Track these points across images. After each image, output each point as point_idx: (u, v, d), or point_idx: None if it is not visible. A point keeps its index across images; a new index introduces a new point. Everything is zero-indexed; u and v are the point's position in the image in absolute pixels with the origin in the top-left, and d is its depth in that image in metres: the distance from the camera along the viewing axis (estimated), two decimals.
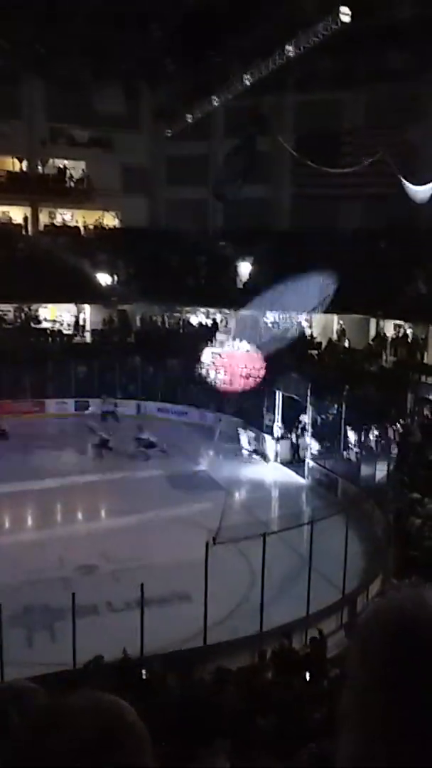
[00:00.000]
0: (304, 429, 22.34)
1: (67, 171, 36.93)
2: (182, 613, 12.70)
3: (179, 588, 13.49)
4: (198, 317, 34.72)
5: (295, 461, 22.41)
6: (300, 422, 22.73)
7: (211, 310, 34.00)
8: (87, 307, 34.42)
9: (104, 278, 32.56)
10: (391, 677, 0.88)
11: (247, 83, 26.69)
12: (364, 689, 0.90)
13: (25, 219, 36.43)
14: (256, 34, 26.32)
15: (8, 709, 1.32)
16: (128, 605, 12.67)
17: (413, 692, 0.86)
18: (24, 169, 36.22)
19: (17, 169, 36.25)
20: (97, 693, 0.98)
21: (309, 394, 21.51)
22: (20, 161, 36.16)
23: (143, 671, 10.04)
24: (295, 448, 22.74)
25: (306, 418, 22.00)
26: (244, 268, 31.95)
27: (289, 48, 24.15)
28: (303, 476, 21.47)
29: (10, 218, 36.48)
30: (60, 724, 0.93)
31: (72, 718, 0.94)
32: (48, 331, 33.26)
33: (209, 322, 33.79)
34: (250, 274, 31.72)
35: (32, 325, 33.37)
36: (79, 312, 34.55)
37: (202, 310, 34.34)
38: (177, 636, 11.91)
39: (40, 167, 36.36)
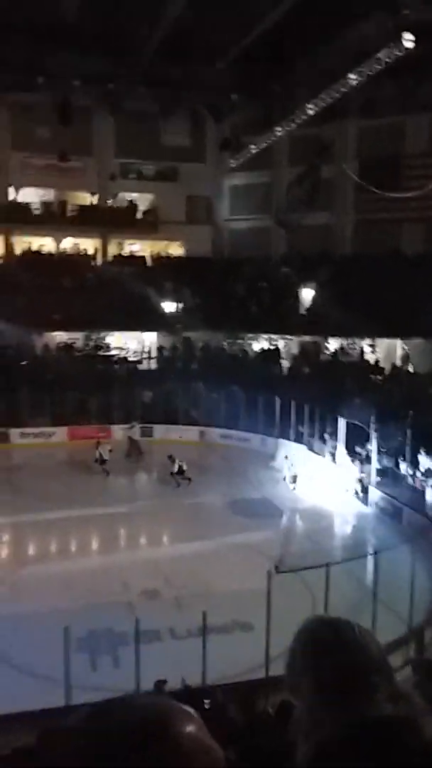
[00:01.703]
0: (368, 456, 21.98)
1: (135, 203, 38.08)
2: (244, 643, 12.63)
3: (241, 617, 13.44)
4: (260, 344, 34.87)
5: (359, 489, 22.04)
6: (364, 449, 22.39)
7: (274, 337, 34.09)
8: (152, 335, 35.15)
9: (169, 306, 33.22)
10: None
11: (311, 112, 26.99)
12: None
13: (95, 250, 37.70)
14: (320, 63, 26.70)
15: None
16: (190, 632, 12.70)
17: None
18: (95, 202, 37.59)
19: (88, 203, 37.66)
20: (165, 697, 1.04)
21: (373, 420, 21.21)
22: (92, 195, 37.57)
23: (205, 701, 10.02)
24: (360, 476, 22.37)
25: (370, 445, 21.65)
26: (307, 294, 31.97)
27: (352, 76, 24.35)
28: (366, 504, 21.08)
29: (80, 250, 37.83)
30: (124, 713, 0.97)
31: (137, 711, 0.97)
32: (114, 358, 34.09)
33: (271, 347, 33.89)
34: (312, 300, 31.72)
35: (99, 352, 34.30)
36: (144, 339, 35.31)
37: (265, 336, 34.47)
38: (238, 666, 11.84)
39: (110, 201, 37.65)
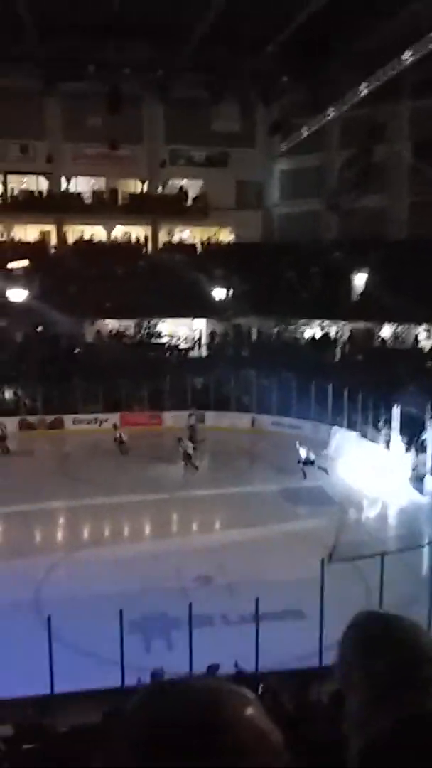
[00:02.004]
0: (423, 444, 21.50)
1: (185, 190, 38.05)
2: (296, 631, 12.60)
3: (293, 605, 13.39)
4: (312, 330, 34.48)
5: (414, 478, 21.61)
6: (419, 437, 21.91)
7: (326, 323, 33.65)
8: (203, 321, 35.19)
9: (219, 293, 33.16)
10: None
11: (363, 93, 26.36)
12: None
13: (146, 238, 37.89)
14: (372, 44, 26.00)
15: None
16: (243, 618, 12.74)
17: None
18: (145, 190, 37.73)
19: (138, 191, 37.82)
20: (224, 680, 1.01)
21: (428, 407, 20.72)
22: (141, 183, 37.71)
23: (259, 686, 10.04)
24: (415, 464, 21.92)
25: (425, 433, 21.17)
26: (359, 280, 31.40)
27: (405, 55, 23.64)
28: (422, 493, 20.66)
29: (130, 238, 38.10)
30: (183, 694, 0.97)
31: (196, 691, 0.97)
32: (165, 345, 34.30)
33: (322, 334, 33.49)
34: (365, 285, 31.13)
35: (151, 339, 34.57)
36: (195, 326, 35.39)
37: (317, 322, 34.06)
38: (291, 654, 11.82)
39: (159, 188, 37.72)
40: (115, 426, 25.93)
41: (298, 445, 22.44)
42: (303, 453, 22.18)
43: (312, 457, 22.26)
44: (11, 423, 28.32)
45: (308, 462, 22.15)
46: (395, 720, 1.10)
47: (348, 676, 1.21)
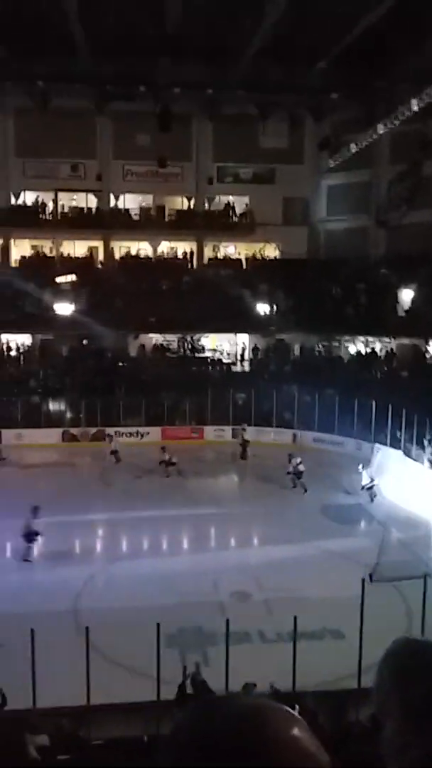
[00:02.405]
0: None
1: (232, 206, 38.31)
2: (335, 651, 12.33)
3: (332, 624, 13.14)
4: (357, 346, 34.12)
5: None
6: None
7: (371, 339, 33.25)
8: (246, 337, 35.20)
9: (264, 308, 33.14)
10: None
11: (414, 108, 26.13)
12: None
13: (191, 253, 38.23)
14: (423, 59, 25.82)
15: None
16: (280, 636, 12.56)
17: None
18: (192, 206, 38.13)
19: (185, 207, 38.25)
20: (269, 699, 1.02)
21: None
22: (188, 200, 38.14)
23: (296, 706, 9.83)
24: None
25: None
26: (407, 296, 30.97)
27: None
28: None
29: (177, 253, 38.49)
30: (229, 712, 0.96)
31: (242, 710, 0.96)
32: (208, 360, 34.39)
33: (368, 350, 33.08)
34: (412, 301, 30.68)
35: (194, 354, 34.72)
36: (238, 341, 35.41)
37: (361, 339, 33.69)
38: (329, 674, 11.56)
39: (206, 204, 38.08)
40: (163, 449, 25.10)
41: (361, 468, 22.26)
42: (366, 478, 21.95)
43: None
44: (56, 434, 28.78)
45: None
46: (430, 751, 1.08)
47: (384, 704, 1.20)
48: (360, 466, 22.64)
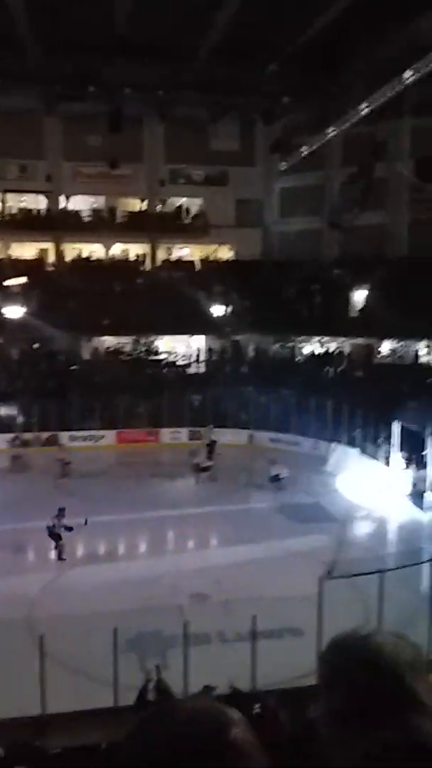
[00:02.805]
0: (423, 460, 21.31)
1: (185, 208, 38.23)
2: (294, 649, 12.30)
3: (291, 622, 13.12)
4: (312, 346, 34.44)
5: (414, 494, 21.39)
6: (419, 453, 21.73)
7: (325, 340, 33.61)
8: (201, 338, 35.13)
9: (218, 310, 33.15)
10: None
11: (365, 111, 26.53)
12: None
13: (144, 255, 37.99)
14: (373, 62, 26.25)
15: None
16: (240, 636, 12.47)
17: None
18: (144, 208, 37.89)
19: (137, 209, 37.99)
20: (210, 702, 1.04)
21: (429, 424, 20.56)
22: (141, 201, 37.89)
23: (256, 706, 9.75)
24: (414, 481, 21.71)
25: (425, 449, 20.99)
26: (359, 296, 31.42)
27: (407, 73, 23.82)
28: (422, 509, 20.42)
29: (129, 256, 38.18)
30: (174, 719, 0.99)
31: (186, 715, 1.00)
32: (163, 362, 34.20)
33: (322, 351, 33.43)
34: (365, 302, 31.14)
35: (149, 356, 34.48)
36: (193, 343, 35.33)
37: (316, 339, 34.02)
38: (288, 672, 11.51)
39: (159, 206, 37.89)
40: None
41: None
42: (275, 470, 22.50)
43: (283, 474, 22.59)
44: (4, 439, 28.12)
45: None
46: (363, 753, 1.06)
47: (321, 700, 1.19)
48: (270, 461, 22.97)
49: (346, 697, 1.12)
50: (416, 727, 1.05)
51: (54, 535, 17.10)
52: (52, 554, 17.52)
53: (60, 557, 17.22)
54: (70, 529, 17.00)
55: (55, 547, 17.23)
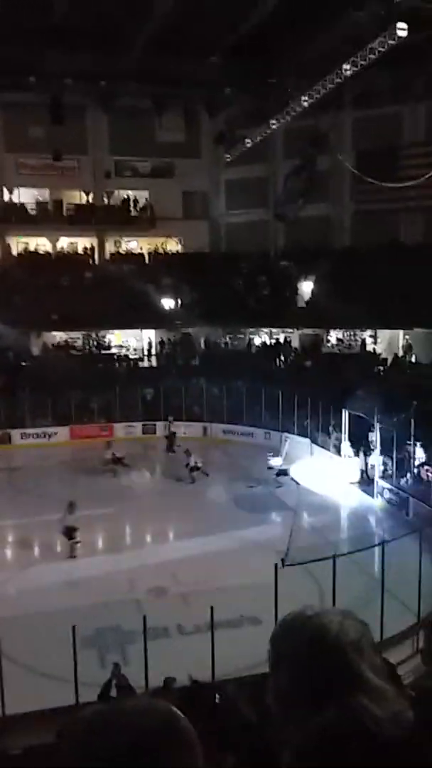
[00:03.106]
0: (372, 448, 21.89)
1: (131, 201, 37.96)
2: (252, 637, 12.53)
3: (249, 611, 13.37)
4: (261, 337, 34.79)
5: (363, 481, 21.97)
6: (368, 441, 22.30)
7: (274, 331, 33.99)
8: (152, 332, 35.06)
9: (168, 303, 33.12)
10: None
11: (306, 103, 26.80)
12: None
13: (92, 248, 37.59)
14: (313, 54, 26.50)
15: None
16: (198, 628, 12.65)
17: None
18: (90, 201, 37.45)
19: (83, 201, 37.52)
20: (149, 698, 1.07)
21: (376, 411, 21.11)
22: (87, 194, 37.42)
23: (216, 695, 9.95)
24: (364, 468, 22.30)
25: (374, 437, 21.56)
26: (307, 287, 31.86)
27: (346, 66, 24.14)
28: (372, 496, 21.01)
29: (77, 249, 37.73)
30: (115, 724, 1.00)
31: (126, 718, 1.01)
32: (115, 356, 34.01)
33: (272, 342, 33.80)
34: (312, 293, 31.61)
35: (100, 350, 34.22)
36: (144, 336, 35.22)
37: (265, 330, 34.38)
38: (248, 660, 11.73)
39: (105, 198, 37.51)
40: (108, 444, 25.04)
41: (270, 456, 22.93)
42: (192, 461, 22.82)
43: (199, 463, 22.87)
44: None
45: (195, 468, 22.73)
46: (307, 733, 1.08)
47: (270, 681, 1.20)
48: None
49: (291, 676, 1.13)
50: (359, 707, 1.06)
51: (68, 529, 16.93)
52: (59, 549, 17.46)
53: (72, 554, 17.00)
54: (74, 531, 16.97)
55: (70, 541, 17.02)
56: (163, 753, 0.97)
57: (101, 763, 0.96)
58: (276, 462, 23.26)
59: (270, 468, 23.20)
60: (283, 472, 22.69)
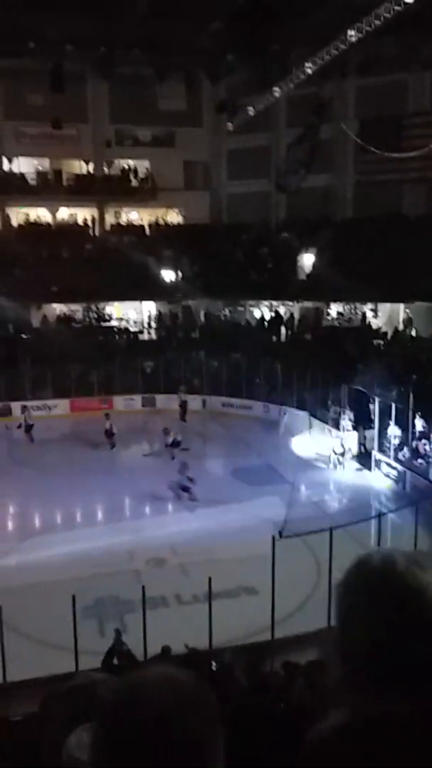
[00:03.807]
0: (371, 421, 21.94)
1: (132, 171, 37.50)
2: (249, 607, 12.77)
3: (246, 582, 13.57)
4: (262, 310, 34.65)
5: (361, 454, 22.08)
6: (366, 414, 22.35)
7: (275, 303, 33.84)
8: (152, 304, 34.92)
9: (169, 274, 32.92)
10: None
11: (309, 71, 26.31)
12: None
13: (92, 219, 37.24)
14: (317, 21, 25.92)
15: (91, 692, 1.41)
16: (196, 598, 12.85)
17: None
18: (90, 171, 37.00)
19: (84, 171, 37.08)
20: (172, 668, 1.08)
21: (375, 385, 21.13)
22: (86, 163, 36.96)
23: (212, 663, 10.15)
24: (362, 441, 22.39)
25: (373, 410, 21.60)
26: (308, 260, 31.64)
27: (351, 32, 23.64)
28: (370, 469, 21.14)
29: (76, 220, 37.40)
30: (140, 695, 1.02)
31: (151, 689, 1.02)
32: (115, 329, 33.93)
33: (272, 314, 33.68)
34: (313, 265, 31.39)
35: (100, 323, 34.13)
36: (144, 309, 35.09)
37: (266, 303, 34.23)
38: (244, 629, 11.99)
39: (105, 168, 37.06)
40: (107, 415, 24.86)
41: (164, 432, 22.82)
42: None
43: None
44: None
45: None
46: (345, 721, 1.03)
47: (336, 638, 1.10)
48: (163, 429, 23.06)
49: (366, 639, 1.03)
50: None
51: (184, 487, 18.99)
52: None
53: (192, 499, 18.87)
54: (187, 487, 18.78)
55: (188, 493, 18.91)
56: (190, 723, 0.98)
57: (130, 735, 0.97)
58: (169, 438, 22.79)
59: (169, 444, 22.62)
60: (175, 443, 22.40)
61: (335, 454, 21.79)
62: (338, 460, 21.77)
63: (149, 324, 34.56)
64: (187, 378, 29.62)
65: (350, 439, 22.33)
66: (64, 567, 14.54)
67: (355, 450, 22.24)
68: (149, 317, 34.84)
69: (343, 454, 21.80)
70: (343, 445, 21.88)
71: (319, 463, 22.27)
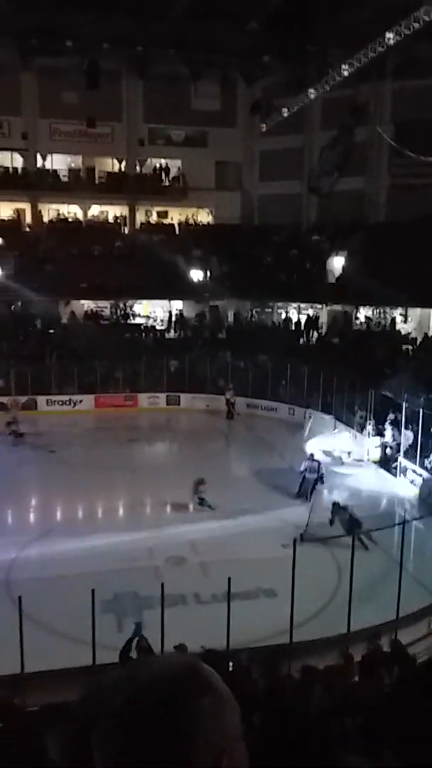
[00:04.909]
0: (397, 426, 21.68)
1: (164, 170, 37.62)
2: (268, 609, 12.67)
3: (265, 584, 13.46)
4: (289, 312, 34.48)
5: (386, 460, 21.82)
6: (392, 419, 22.09)
7: (303, 306, 33.65)
8: (180, 303, 34.96)
9: (197, 274, 32.94)
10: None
11: (345, 73, 26.13)
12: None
13: (123, 217, 37.43)
14: (355, 23, 25.75)
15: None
16: (215, 597, 12.78)
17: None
18: (122, 169, 37.21)
19: (116, 169, 37.29)
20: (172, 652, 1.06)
21: (403, 391, 20.86)
22: (119, 162, 37.18)
23: (230, 663, 10.07)
24: (387, 447, 22.12)
25: (400, 416, 21.33)
26: (338, 263, 31.39)
27: (389, 35, 23.42)
28: (395, 475, 20.88)
29: (107, 218, 37.61)
30: (142, 674, 1.02)
31: (153, 668, 1.03)
32: (142, 327, 34.05)
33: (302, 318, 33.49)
34: (343, 269, 31.14)
35: (127, 320, 34.28)
36: (172, 308, 35.15)
37: (294, 305, 34.04)
38: (262, 631, 11.88)
39: (137, 167, 37.23)
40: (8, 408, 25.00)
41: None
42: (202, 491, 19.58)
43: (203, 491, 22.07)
44: None
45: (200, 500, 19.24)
46: None
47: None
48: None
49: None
50: None
51: (200, 500, 18.42)
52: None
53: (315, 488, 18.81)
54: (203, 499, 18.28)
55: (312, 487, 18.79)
56: (192, 698, 0.98)
57: (132, 707, 0.97)
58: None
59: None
60: (201, 501, 18.84)
61: (342, 451, 21.61)
62: (343, 458, 21.54)
63: (176, 323, 34.60)
64: (212, 378, 29.60)
65: (373, 444, 22.08)
66: (84, 561, 14.58)
67: (378, 456, 21.98)
68: (176, 316, 34.86)
69: (349, 453, 21.59)
70: (353, 445, 21.67)
71: (328, 460, 22.03)
